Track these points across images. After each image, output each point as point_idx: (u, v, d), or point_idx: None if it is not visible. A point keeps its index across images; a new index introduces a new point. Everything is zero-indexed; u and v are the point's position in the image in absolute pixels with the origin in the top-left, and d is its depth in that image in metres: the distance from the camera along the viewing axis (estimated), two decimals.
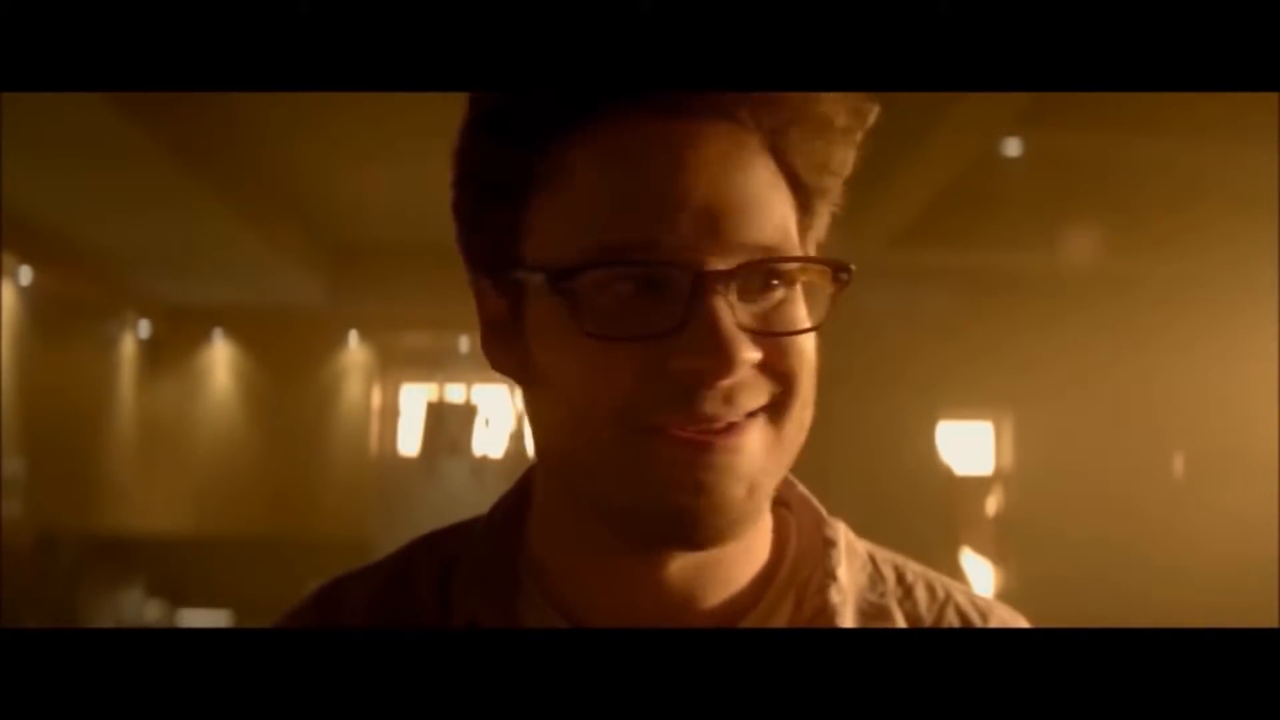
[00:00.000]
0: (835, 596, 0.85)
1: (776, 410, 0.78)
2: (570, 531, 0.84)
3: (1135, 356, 5.79)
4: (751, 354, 0.75)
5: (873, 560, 0.90)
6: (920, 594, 0.89)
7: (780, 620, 0.85)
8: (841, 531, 0.89)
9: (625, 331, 0.74)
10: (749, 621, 0.84)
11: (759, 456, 0.78)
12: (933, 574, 0.91)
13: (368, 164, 5.73)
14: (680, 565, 0.81)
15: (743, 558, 0.84)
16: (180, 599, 7.46)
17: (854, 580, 0.87)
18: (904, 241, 5.22)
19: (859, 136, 0.80)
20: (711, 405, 0.75)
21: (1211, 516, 5.72)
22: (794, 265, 0.78)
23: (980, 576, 6.14)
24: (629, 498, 0.77)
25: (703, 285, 0.74)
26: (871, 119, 0.80)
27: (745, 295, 0.76)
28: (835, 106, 0.78)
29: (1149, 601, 5.20)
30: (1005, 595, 5.74)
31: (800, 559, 0.87)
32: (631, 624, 0.82)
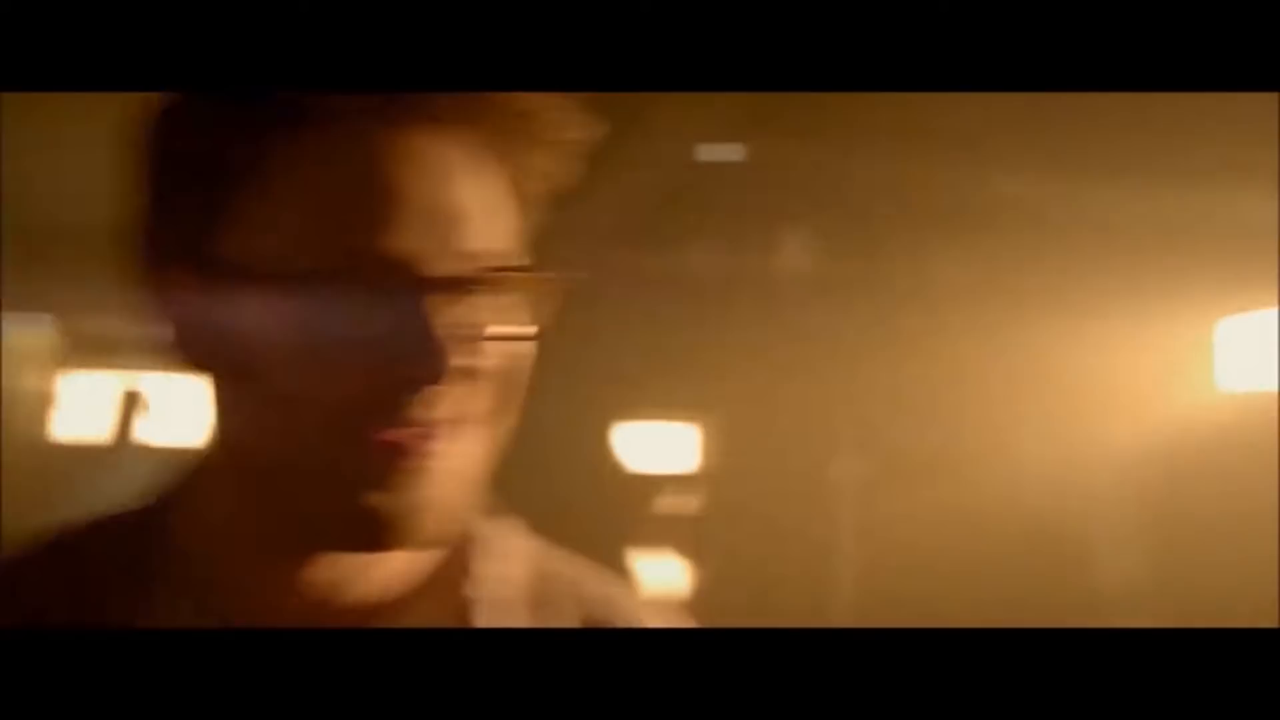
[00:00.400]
0: (468, 591, 0.86)
1: (485, 417, 0.80)
2: (232, 527, 0.84)
3: (837, 360, 5.92)
4: (464, 361, 0.76)
5: (527, 558, 0.92)
6: (561, 586, 0.91)
7: (417, 616, 0.86)
8: (491, 529, 0.90)
9: (344, 333, 0.75)
10: (386, 616, 0.85)
11: (462, 462, 0.79)
12: (581, 567, 0.94)
13: (47, 149, 5.60)
14: (331, 565, 0.82)
15: (390, 560, 0.85)
16: None
17: (501, 577, 0.89)
18: (613, 245, 5.25)
19: (583, 148, 0.81)
20: (422, 410, 0.76)
21: (904, 516, 5.91)
22: (515, 274, 0.79)
23: (674, 575, 6.29)
24: (328, 498, 0.77)
25: (422, 291, 0.75)
26: (595, 132, 0.81)
27: (465, 303, 0.77)
28: (564, 117, 0.80)
29: (845, 600, 5.41)
30: (702, 593, 5.89)
31: (446, 559, 0.88)
32: (274, 620, 0.82)
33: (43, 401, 8.62)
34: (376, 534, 0.77)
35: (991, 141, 4.07)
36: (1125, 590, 5.53)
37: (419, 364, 0.75)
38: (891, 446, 6.20)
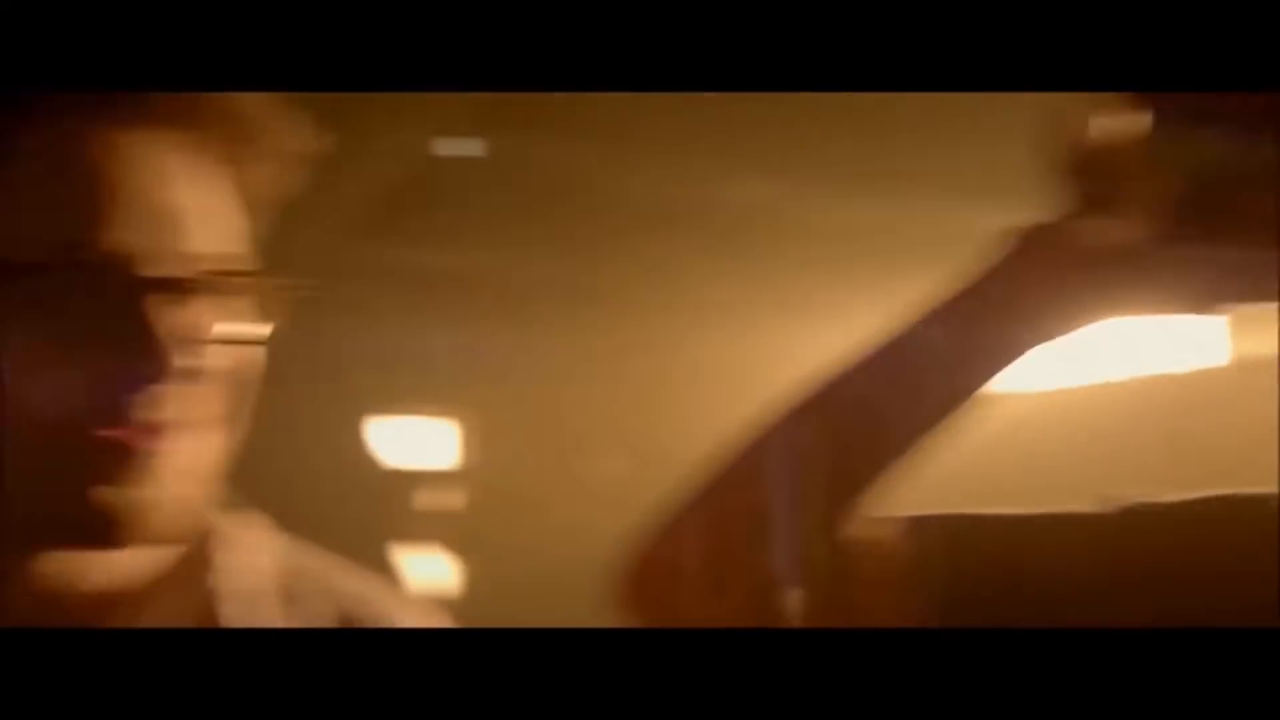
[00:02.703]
0: (212, 583, 0.87)
1: (213, 417, 0.80)
2: None
3: (598, 358, 5.90)
4: (188, 361, 0.76)
5: (268, 549, 0.92)
6: (308, 585, 0.91)
7: (160, 610, 0.85)
8: (231, 524, 0.90)
9: (65, 329, 0.75)
10: (125, 611, 0.84)
11: (189, 460, 0.79)
12: (330, 562, 0.94)
13: None
14: (75, 558, 0.82)
15: (130, 555, 0.84)
16: None
17: (243, 565, 0.89)
18: (357, 240, 5.21)
19: (305, 157, 0.83)
20: (146, 409, 0.76)
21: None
22: (238, 277, 0.80)
23: (431, 572, 6.29)
24: (53, 494, 0.77)
25: (143, 290, 0.76)
26: (317, 142, 0.83)
27: (189, 304, 0.77)
28: (283, 126, 0.81)
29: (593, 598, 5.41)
30: (462, 590, 6.00)
31: (187, 553, 0.88)
32: (8, 617, 0.81)
33: None
34: (103, 530, 0.77)
35: (733, 143, 4.07)
36: None
37: (140, 362, 0.75)
38: (646, 443, 6.22)
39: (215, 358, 0.78)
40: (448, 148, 4.54)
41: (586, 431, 6.28)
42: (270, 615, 0.88)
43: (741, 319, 5.32)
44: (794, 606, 0.81)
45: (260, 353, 0.81)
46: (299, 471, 5.20)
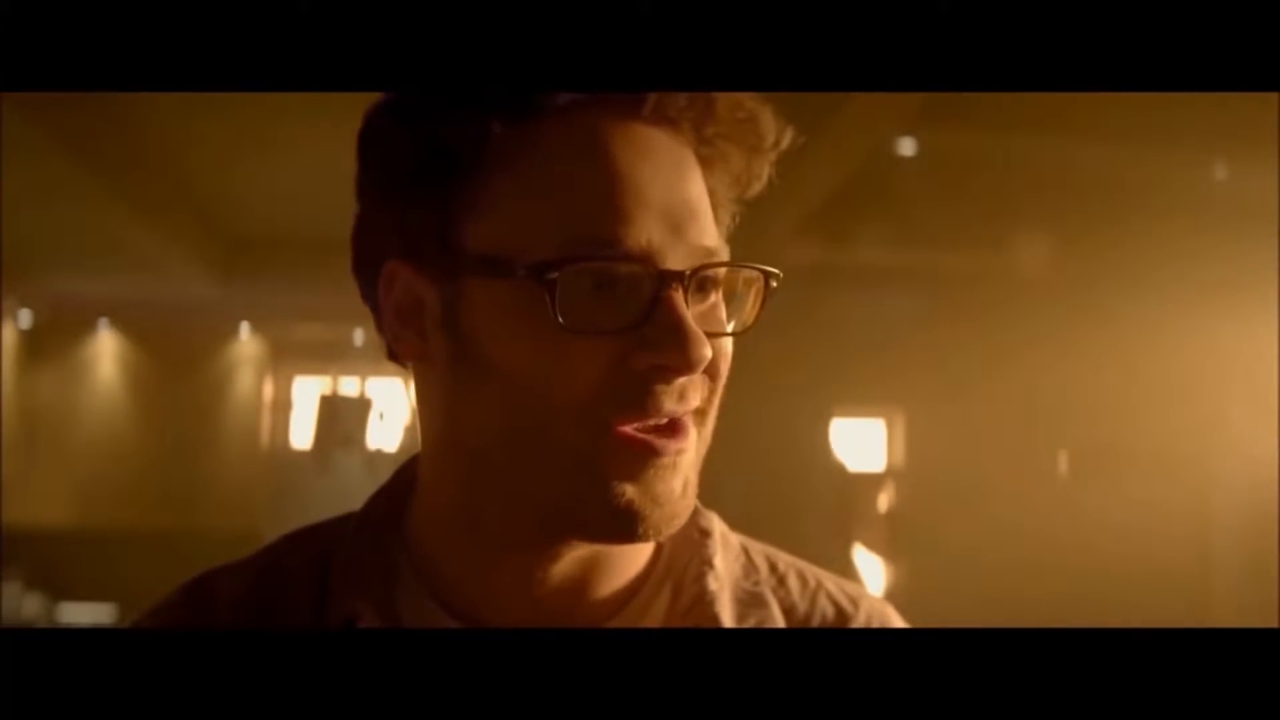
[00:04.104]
0: (713, 584, 0.87)
1: (705, 410, 0.81)
2: (462, 524, 0.84)
3: (1024, 355, 5.89)
4: (708, 351, 0.76)
5: (746, 551, 0.92)
6: (793, 582, 0.91)
7: (660, 609, 0.86)
8: (716, 522, 0.91)
9: (591, 326, 0.75)
10: (630, 610, 0.86)
11: (693, 454, 0.80)
12: (802, 563, 0.94)
13: (259, 155, 5.64)
14: (572, 558, 0.83)
15: (629, 550, 0.85)
16: (63, 593, 7.29)
17: (729, 569, 0.89)
18: (798, 240, 5.27)
19: (778, 154, 0.82)
20: (669, 401, 0.77)
21: (1094, 515, 5.87)
22: (734, 269, 0.80)
23: (871, 573, 6.26)
24: (571, 492, 0.77)
25: (666, 284, 0.76)
26: (789, 139, 0.82)
27: (692, 297, 0.78)
28: (768, 125, 0.81)
29: (1035, 600, 5.36)
30: (895, 592, 5.93)
31: (677, 549, 0.89)
32: (515, 616, 0.83)
33: (255, 409, 8.68)
34: (630, 527, 0.77)
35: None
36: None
37: (672, 354, 0.75)
38: (1086, 444, 6.16)
39: (714, 350, 0.78)
40: (894, 147, 4.59)
41: (1023, 429, 6.18)
42: (724, 610, 0.87)
43: (1219, 308, 5.16)
44: None
45: (729, 346, 0.81)
46: (761, 472, 5.24)
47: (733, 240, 0.83)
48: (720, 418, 0.82)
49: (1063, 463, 6.27)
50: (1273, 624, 4.52)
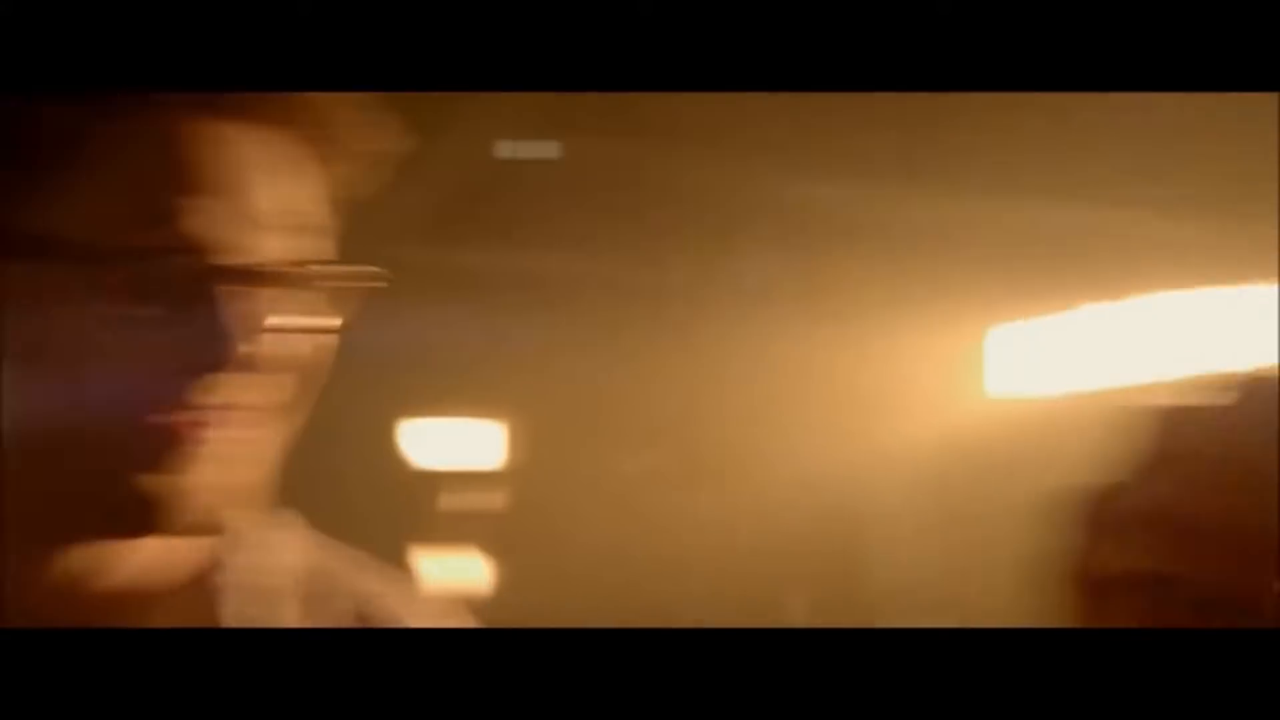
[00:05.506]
0: (220, 579, 0.86)
1: (271, 409, 0.80)
2: (18, 517, 0.80)
3: (638, 361, 5.93)
4: (251, 349, 0.76)
5: (290, 548, 0.91)
6: (324, 579, 0.90)
7: (170, 609, 0.84)
8: (251, 519, 0.88)
9: (152, 316, 0.75)
10: (135, 609, 0.83)
11: (238, 450, 0.79)
12: (348, 559, 0.93)
13: None
14: (99, 552, 0.81)
15: (154, 544, 0.83)
16: None
17: (252, 564, 0.88)
18: (416, 242, 5.24)
19: (389, 158, 0.83)
20: (222, 394, 0.76)
21: (702, 515, 5.98)
22: (324, 269, 0.80)
23: (470, 572, 6.31)
24: (97, 481, 0.77)
25: (214, 279, 0.76)
26: (403, 143, 0.82)
27: (262, 295, 0.77)
28: (374, 127, 0.81)
29: (646, 597, 5.49)
30: (503, 590, 6.10)
31: (211, 546, 0.87)
32: (24, 617, 0.80)
33: None
34: (138, 517, 0.77)
35: (800, 143, 4.12)
36: (900, 588, 5.80)
37: (200, 347, 0.75)
38: (684, 443, 6.25)
39: (279, 347, 0.78)
40: (513, 150, 4.57)
41: (625, 431, 6.25)
42: (286, 614, 0.86)
43: (796, 319, 5.32)
44: None
45: (327, 347, 0.81)
46: (339, 471, 5.21)
47: (344, 241, 0.83)
48: (323, 417, 0.82)
49: (669, 466, 6.35)
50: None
